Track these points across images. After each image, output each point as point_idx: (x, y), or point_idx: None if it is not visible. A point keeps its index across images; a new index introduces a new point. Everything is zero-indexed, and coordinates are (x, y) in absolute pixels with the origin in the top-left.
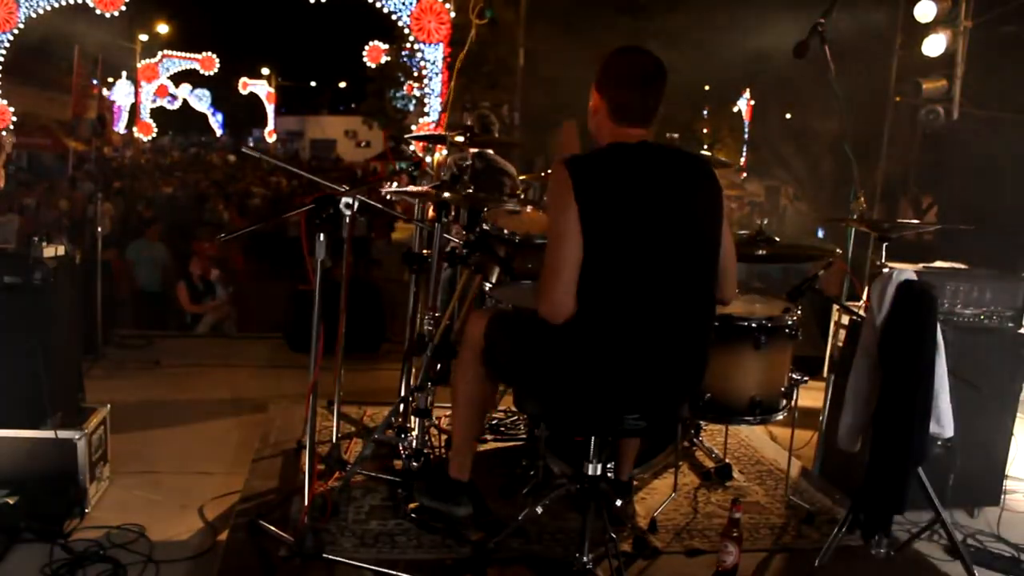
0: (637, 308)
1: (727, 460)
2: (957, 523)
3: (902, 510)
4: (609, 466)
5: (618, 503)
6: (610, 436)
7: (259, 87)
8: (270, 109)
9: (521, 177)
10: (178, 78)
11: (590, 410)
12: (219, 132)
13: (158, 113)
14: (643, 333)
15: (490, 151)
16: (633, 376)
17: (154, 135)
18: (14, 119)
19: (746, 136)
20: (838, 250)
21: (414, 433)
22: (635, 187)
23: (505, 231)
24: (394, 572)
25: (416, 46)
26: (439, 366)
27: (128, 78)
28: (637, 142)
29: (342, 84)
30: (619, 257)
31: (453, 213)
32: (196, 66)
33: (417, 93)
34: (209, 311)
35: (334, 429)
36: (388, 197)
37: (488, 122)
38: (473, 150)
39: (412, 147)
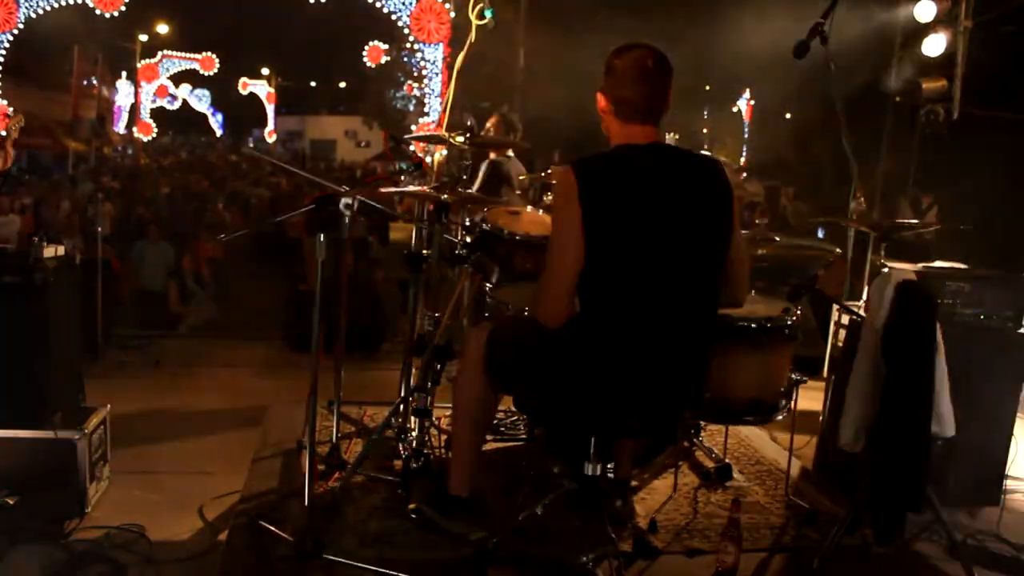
0: (640, 312)
1: (727, 460)
2: (957, 523)
3: (918, 509)
4: (609, 466)
5: (618, 503)
6: (610, 439)
7: (259, 87)
8: (270, 109)
9: (521, 177)
10: (178, 78)
11: (591, 413)
12: (219, 132)
13: (158, 113)
14: (646, 337)
15: (497, 156)
16: (634, 380)
17: (154, 135)
18: (11, 110)
19: (746, 136)
20: (838, 250)
21: (414, 433)
22: (641, 191)
23: (505, 230)
24: (394, 572)
25: (416, 46)
26: (439, 366)
27: (128, 78)
28: (647, 144)
29: (342, 84)
30: (623, 261)
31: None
32: (196, 66)
33: (417, 93)
34: (192, 313)
35: (334, 429)
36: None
37: (510, 123)
38: (493, 156)
39: (412, 147)
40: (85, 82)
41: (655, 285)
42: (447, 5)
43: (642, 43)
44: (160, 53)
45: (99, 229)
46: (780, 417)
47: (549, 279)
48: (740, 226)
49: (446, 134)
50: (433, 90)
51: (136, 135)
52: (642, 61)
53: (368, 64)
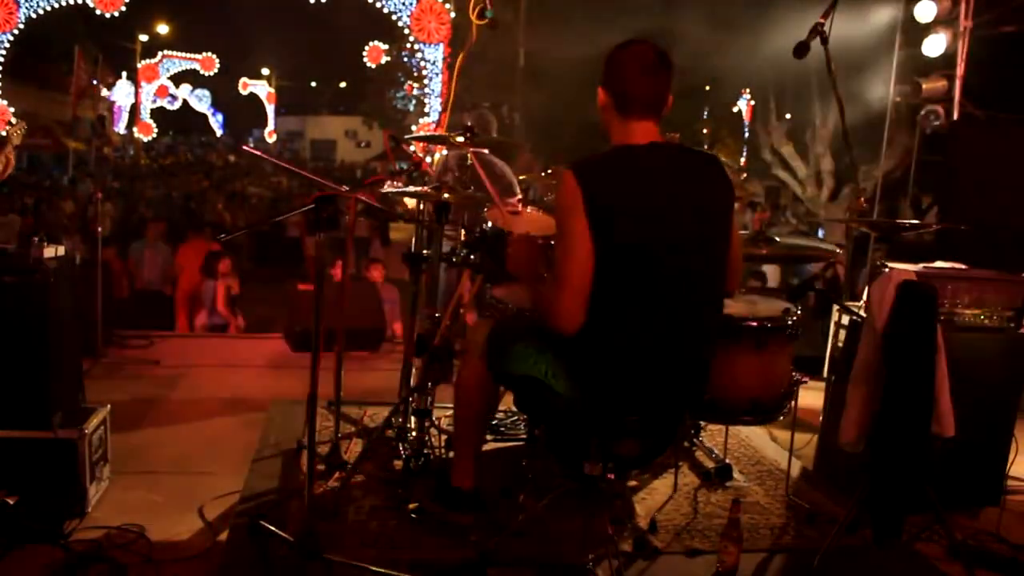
0: (645, 312)
1: (727, 460)
2: (957, 523)
3: (915, 511)
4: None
5: (618, 503)
6: (611, 439)
7: (259, 87)
8: (270, 109)
9: (521, 177)
10: (178, 78)
11: (592, 415)
12: (219, 132)
13: (158, 113)
14: (650, 339)
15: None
16: (637, 380)
17: (154, 135)
18: (14, 119)
19: (746, 136)
20: (838, 250)
21: (414, 433)
22: (644, 193)
23: (506, 231)
24: (394, 572)
25: (416, 46)
26: (439, 366)
27: (128, 78)
28: (646, 143)
29: (342, 84)
30: (627, 263)
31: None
32: (196, 66)
33: (417, 93)
34: (234, 319)
35: (334, 429)
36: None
37: (486, 121)
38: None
39: (412, 147)
40: (85, 82)
41: (660, 285)
42: (447, 5)
43: (643, 39)
44: (160, 53)
45: (99, 229)
46: (780, 417)
47: (562, 287)
48: (739, 224)
49: (447, 134)
50: (433, 90)
51: (136, 135)
52: (643, 55)
53: (368, 64)
